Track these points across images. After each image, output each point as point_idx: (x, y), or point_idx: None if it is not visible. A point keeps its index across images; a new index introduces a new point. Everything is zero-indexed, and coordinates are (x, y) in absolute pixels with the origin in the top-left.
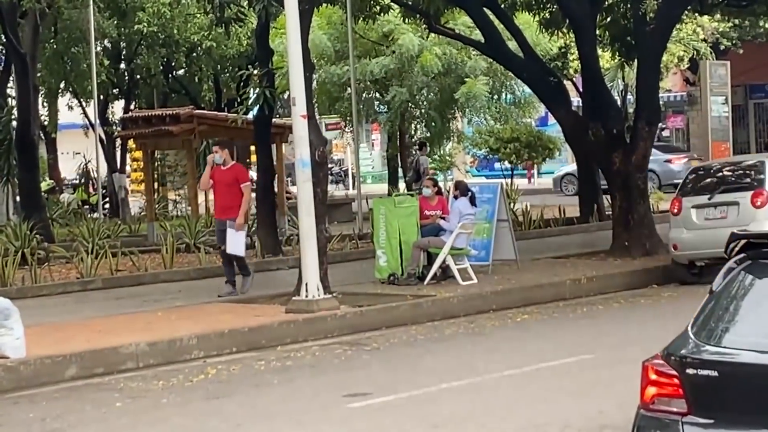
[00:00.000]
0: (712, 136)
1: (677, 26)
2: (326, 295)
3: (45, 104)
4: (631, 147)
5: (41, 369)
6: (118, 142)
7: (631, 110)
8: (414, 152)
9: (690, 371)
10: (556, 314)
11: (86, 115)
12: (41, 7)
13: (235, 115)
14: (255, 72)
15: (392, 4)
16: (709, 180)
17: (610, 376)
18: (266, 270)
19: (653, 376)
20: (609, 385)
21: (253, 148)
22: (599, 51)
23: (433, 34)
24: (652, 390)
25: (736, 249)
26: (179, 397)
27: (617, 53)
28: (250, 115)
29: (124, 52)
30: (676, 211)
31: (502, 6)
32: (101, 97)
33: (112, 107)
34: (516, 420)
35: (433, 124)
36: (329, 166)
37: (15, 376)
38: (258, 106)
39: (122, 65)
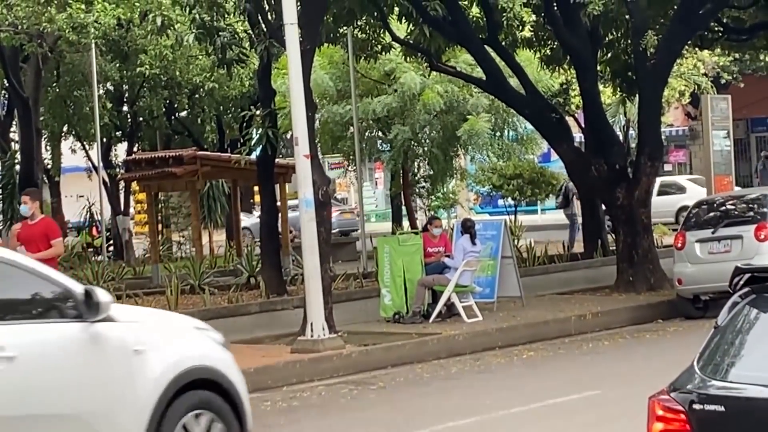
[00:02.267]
0: (715, 170)
1: (678, 61)
2: (331, 334)
3: (48, 148)
4: (634, 182)
5: None
6: (122, 184)
7: (633, 145)
8: (562, 179)
9: (696, 406)
10: (562, 350)
11: (89, 158)
12: (43, 51)
13: (239, 155)
14: (257, 112)
15: (393, 43)
16: (712, 214)
17: (616, 412)
18: (271, 310)
19: (660, 412)
20: (616, 422)
21: (256, 188)
22: (600, 87)
23: (434, 73)
24: (659, 426)
25: (741, 283)
26: None
27: (618, 89)
28: (253, 156)
29: (126, 95)
30: (680, 245)
31: (503, 43)
32: (104, 139)
33: (115, 150)
34: None
35: (436, 161)
36: (333, 205)
37: None
38: (261, 146)
39: (125, 108)
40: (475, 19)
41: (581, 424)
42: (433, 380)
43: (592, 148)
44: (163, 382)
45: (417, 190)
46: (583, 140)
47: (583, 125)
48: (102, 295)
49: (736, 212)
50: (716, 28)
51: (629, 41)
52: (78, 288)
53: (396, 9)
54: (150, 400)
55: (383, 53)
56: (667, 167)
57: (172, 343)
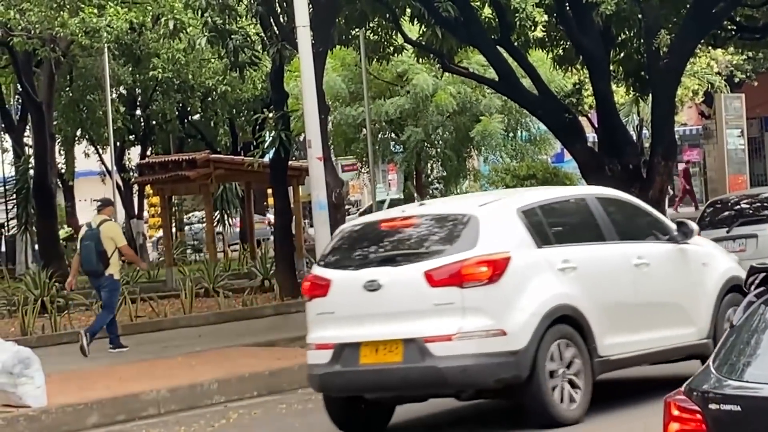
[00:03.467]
0: (729, 169)
1: (691, 60)
2: None
3: (62, 152)
4: (648, 182)
5: (63, 417)
6: (135, 188)
7: (647, 145)
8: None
9: (712, 406)
10: None
11: (103, 162)
12: (56, 56)
13: (252, 158)
14: (270, 115)
15: (405, 44)
16: (726, 213)
17: (630, 413)
18: (285, 313)
19: (676, 412)
20: (630, 422)
21: (270, 191)
22: (613, 86)
23: (447, 74)
24: (674, 426)
25: (756, 282)
26: None
27: (632, 88)
28: (267, 158)
29: (139, 99)
30: None
31: (516, 44)
32: (117, 143)
33: (129, 153)
34: None
35: (449, 163)
36: (346, 207)
37: (37, 425)
38: (274, 149)
39: (138, 111)
40: (487, 19)
41: (595, 425)
42: None
43: (605, 148)
44: (718, 286)
45: (430, 192)
46: (596, 140)
47: (596, 125)
48: (693, 225)
49: (751, 211)
50: (729, 27)
51: (642, 41)
52: (670, 222)
53: (408, 10)
54: (712, 297)
55: (395, 55)
56: (681, 166)
57: (719, 260)
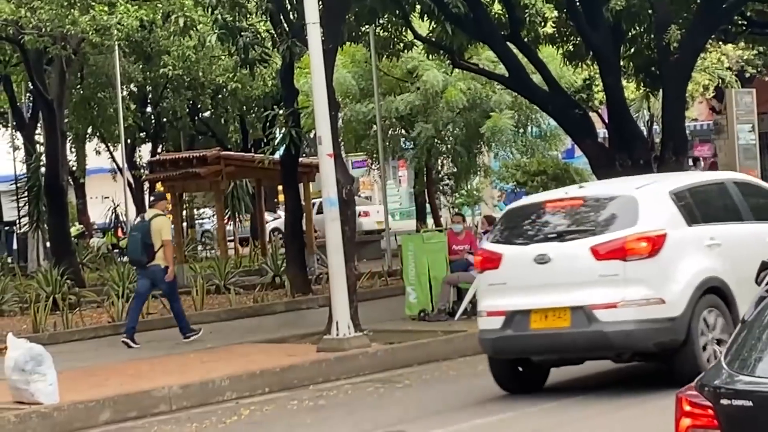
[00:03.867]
0: (740, 164)
1: (702, 55)
2: (357, 333)
3: (73, 150)
4: None
5: (75, 414)
6: (147, 185)
7: (657, 140)
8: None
9: (724, 401)
10: None
11: (114, 160)
12: (67, 54)
13: (262, 155)
14: (281, 112)
15: (416, 41)
16: None
17: (651, 408)
18: (296, 309)
19: (687, 408)
20: (640, 418)
21: (280, 187)
22: (624, 82)
23: (457, 70)
24: (686, 421)
25: (767, 279)
26: None
27: (642, 84)
28: (277, 155)
29: (150, 96)
30: None
31: (526, 40)
32: (128, 141)
33: (140, 151)
34: None
35: (459, 159)
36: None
37: (49, 422)
38: (284, 145)
39: (149, 109)
40: (497, 15)
41: (604, 422)
42: (460, 378)
43: (615, 144)
44: None
45: (441, 188)
46: (606, 136)
47: (606, 121)
48: None
49: None
50: (740, 22)
51: (652, 36)
52: None
53: (418, 7)
54: None
55: (405, 51)
56: (697, 162)
57: None
